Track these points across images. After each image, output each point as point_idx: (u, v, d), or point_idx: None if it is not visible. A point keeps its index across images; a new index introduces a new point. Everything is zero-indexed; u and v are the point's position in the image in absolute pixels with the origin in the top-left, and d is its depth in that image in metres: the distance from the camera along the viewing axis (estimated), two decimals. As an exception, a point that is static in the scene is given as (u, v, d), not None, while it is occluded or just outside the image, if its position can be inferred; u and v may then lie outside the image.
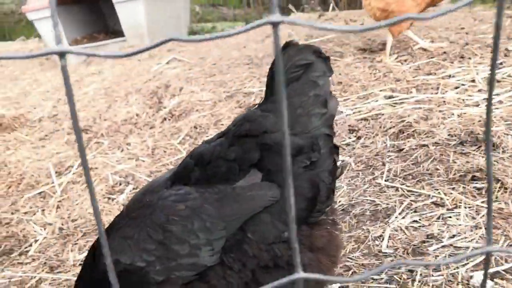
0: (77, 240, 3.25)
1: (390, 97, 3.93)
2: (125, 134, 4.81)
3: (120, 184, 3.83)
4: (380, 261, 2.38)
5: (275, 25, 0.62)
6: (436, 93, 3.82)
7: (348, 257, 2.48)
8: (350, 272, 2.36)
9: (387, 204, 2.75)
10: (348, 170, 3.14)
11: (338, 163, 1.88)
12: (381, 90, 4.09)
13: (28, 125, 5.60)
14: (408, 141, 3.21)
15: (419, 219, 2.57)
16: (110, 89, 5.95)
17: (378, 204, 2.77)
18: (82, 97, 5.94)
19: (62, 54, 0.63)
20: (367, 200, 2.83)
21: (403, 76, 4.31)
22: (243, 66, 5.38)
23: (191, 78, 5.38)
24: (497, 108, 3.38)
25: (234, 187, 1.76)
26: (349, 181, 3.04)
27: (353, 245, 2.55)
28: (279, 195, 1.72)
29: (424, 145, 3.12)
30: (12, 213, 3.71)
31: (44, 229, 3.43)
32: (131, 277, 1.75)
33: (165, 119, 4.85)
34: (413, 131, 3.28)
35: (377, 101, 3.90)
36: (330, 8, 7.85)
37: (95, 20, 10.35)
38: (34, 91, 6.78)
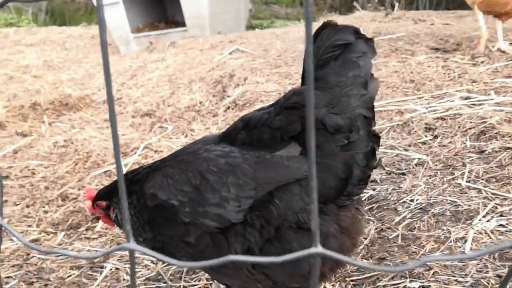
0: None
1: (467, 98, 3.76)
2: (188, 121, 4.83)
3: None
4: (463, 264, 2.26)
5: None
6: (518, 96, 3.63)
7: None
8: (431, 272, 2.25)
9: (469, 205, 2.62)
10: (425, 168, 3.02)
11: (377, 154, 1.90)
12: (457, 91, 3.92)
13: (93, 106, 5.72)
14: (490, 143, 3.06)
15: (506, 224, 2.43)
16: (173, 76, 6.00)
17: (459, 205, 2.64)
18: (146, 83, 6.01)
19: None
20: (447, 200, 2.70)
21: (479, 77, 4.13)
22: (309, 60, 5.29)
23: (256, 68, 5.34)
24: None
25: (274, 155, 1.83)
26: (426, 179, 2.91)
27: (432, 245, 2.43)
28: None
29: (509, 148, 2.96)
30: (79, 189, 3.78)
31: (111, 206, 3.47)
32: (163, 212, 1.87)
33: (228, 107, 4.83)
34: (496, 133, 3.12)
35: (453, 101, 3.74)
36: (396, 7, 7.66)
37: (156, 9, 10.51)
38: (98, 74, 6.92)
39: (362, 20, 7.06)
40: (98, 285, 2.62)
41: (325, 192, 1.80)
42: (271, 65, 5.42)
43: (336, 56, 1.80)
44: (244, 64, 5.65)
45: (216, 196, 1.80)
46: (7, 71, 7.76)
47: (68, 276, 2.74)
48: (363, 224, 2.02)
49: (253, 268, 1.85)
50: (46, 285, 2.69)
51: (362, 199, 2.04)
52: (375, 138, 1.89)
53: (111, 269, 2.75)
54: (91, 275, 2.75)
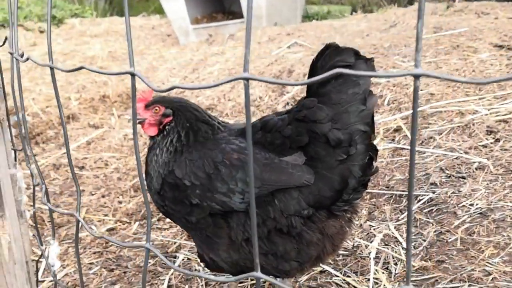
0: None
1: (532, 99, 3.73)
2: (248, 115, 5.00)
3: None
4: (523, 271, 2.33)
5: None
6: None
7: (488, 262, 2.44)
8: (490, 278, 2.33)
9: (531, 211, 2.66)
10: (486, 172, 3.06)
11: (374, 164, 2.10)
12: (520, 91, 3.89)
13: (157, 99, 6.00)
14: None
15: None
16: (233, 70, 6.18)
17: (521, 209, 2.68)
18: (207, 76, 6.23)
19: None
20: (508, 206, 2.75)
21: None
22: (368, 55, 5.29)
23: (315, 64, 5.43)
24: None
25: (281, 159, 2.06)
26: (487, 184, 2.96)
27: (492, 251, 2.50)
28: (312, 181, 2.02)
29: None
30: (149, 181, 4.04)
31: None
32: (176, 189, 2.15)
33: (287, 103, 4.97)
34: (560, 138, 3.11)
35: (516, 102, 3.72)
36: (457, -2, 7.48)
37: (213, 0, 10.71)
38: (161, 67, 7.21)
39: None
40: (172, 274, 2.86)
41: (319, 199, 2.05)
42: (329, 60, 5.49)
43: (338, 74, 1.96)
44: (303, 59, 5.75)
45: (224, 187, 2.06)
46: (75, 62, 8.20)
47: (144, 265, 2.99)
48: (348, 234, 2.27)
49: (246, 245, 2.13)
50: (125, 272, 2.95)
51: (358, 206, 2.26)
52: (373, 150, 2.07)
53: (183, 259, 2.98)
54: (165, 264, 2.99)
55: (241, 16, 9.28)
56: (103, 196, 3.91)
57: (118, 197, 3.88)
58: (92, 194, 3.98)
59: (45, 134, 5.12)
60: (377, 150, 2.08)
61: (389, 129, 3.92)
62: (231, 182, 2.06)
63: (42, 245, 1.50)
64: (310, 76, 2.07)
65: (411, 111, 3.99)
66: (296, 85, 0.72)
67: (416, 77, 0.67)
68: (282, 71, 5.54)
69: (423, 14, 0.66)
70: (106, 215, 3.66)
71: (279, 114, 2.18)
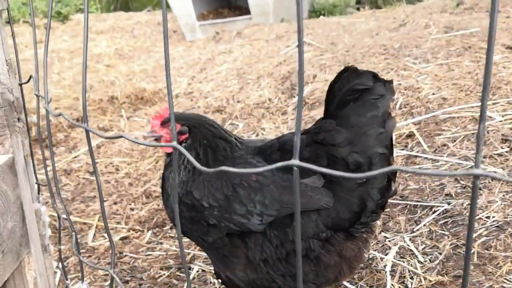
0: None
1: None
2: (258, 118, 4.99)
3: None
4: (542, 288, 2.32)
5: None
6: None
7: (505, 278, 2.43)
8: (509, 295, 2.32)
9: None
10: (501, 183, 3.04)
11: (393, 185, 2.09)
12: (535, 95, 3.86)
13: (166, 100, 5.99)
14: None
15: None
16: (241, 70, 6.15)
17: (539, 224, 2.67)
18: (215, 77, 6.21)
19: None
20: (525, 219, 2.74)
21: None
22: (378, 56, 5.29)
23: (325, 65, 5.40)
24: None
25: (301, 182, 2.03)
26: (503, 195, 2.94)
27: (510, 266, 2.49)
28: (331, 204, 2.01)
29: None
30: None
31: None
32: (193, 210, 2.15)
33: (298, 106, 4.94)
34: None
35: (532, 107, 3.69)
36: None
37: (219, -5, 10.66)
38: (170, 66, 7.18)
39: (432, 10, 6.90)
40: (187, 287, 2.86)
41: (338, 222, 2.05)
42: (339, 61, 5.46)
43: (356, 97, 1.97)
44: (312, 59, 5.72)
45: (243, 209, 2.06)
46: (81, 60, 8.18)
47: (159, 276, 3.00)
48: (365, 256, 2.28)
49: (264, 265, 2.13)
50: (140, 284, 2.96)
51: (374, 227, 2.30)
52: (392, 173, 2.06)
53: (197, 271, 2.99)
54: (180, 276, 3.00)
55: (248, 12, 9.23)
56: (115, 203, 3.91)
57: (130, 204, 3.88)
58: (104, 201, 3.98)
59: (54, 137, 5.12)
60: (396, 172, 2.07)
61: (401, 134, 3.89)
62: (249, 204, 2.05)
63: (67, 280, 1.50)
64: (328, 97, 2.05)
65: (424, 116, 3.96)
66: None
67: (476, 177, 0.65)
68: (291, 72, 5.51)
69: (485, 118, 0.64)
70: (118, 222, 3.66)
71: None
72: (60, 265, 1.49)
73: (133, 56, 8.41)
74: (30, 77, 1.36)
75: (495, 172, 3.15)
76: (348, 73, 1.96)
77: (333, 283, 2.20)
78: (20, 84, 1.41)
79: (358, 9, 10.28)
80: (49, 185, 1.40)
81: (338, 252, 2.08)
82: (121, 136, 1.05)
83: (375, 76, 1.96)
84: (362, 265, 2.77)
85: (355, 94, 1.95)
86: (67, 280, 1.48)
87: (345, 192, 2.01)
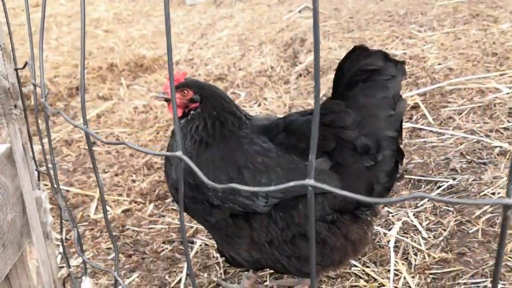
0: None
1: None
2: (260, 87, 4.91)
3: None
4: (546, 267, 2.31)
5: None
6: None
7: (510, 256, 2.43)
8: (512, 273, 2.32)
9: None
10: (507, 158, 3.00)
11: (400, 168, 2.06)
12: (543, 68, 3.77)
13: (166, 67, 5.88)
14: None
15: None
16: (243, 36, 6.02)
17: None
18: (216, 43, 6.08)
19: None
20: (531, 196, 2.71)
21: None
22: (383, 23, 5.17)
23: (328, 32, 5.28)
24: None
25: (306, 164, 1.97)
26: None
27: (514, 244, 2.49)
28: (338, 187, 1.88)
29: None
30: (162, 159, 4.01)
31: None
32: (196, 190, 2.11)
33: (300, 75, 4.86)
34: None
35: (539, 80, 3.62)
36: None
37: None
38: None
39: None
40: (190, 261, 2.87)
41: (344, 204, 2.02)
42: (343, 28, 5.33)
43: (366, 78, 1.91)
44: (315, 26, 5.58)
45: (248, 191, 1.98)
46: (79, 25, 8.01)
47: (162, 250, 3.00)
48: (371, 237, 2.26)
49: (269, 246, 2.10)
50: (143, 258, 2.97)
51: (379, 209, 2.30)
52: (400, 155, 2.02)
53: (200, 245, 2.99)
54: (182, 249, 3.00)
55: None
56: (116, 175, 3.88)
57: (131, 176, 3.85)
58: (106, 172, 3.96)
59: (54, 106, 5.05)
60: (403, 154, 2.02)
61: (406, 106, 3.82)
62: (254, 186, 2.01)
63: (70, 268, 1.48)
64: (336, 77, 1.99)
65: (429, 88, 3.89)
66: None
67: (507, 207, 0.61)
68: (294, 39, 5.40)
69: None
70: (120, 195, 3.64)
71: (303, 114, 2.11)
72: (63, 251, 1.47)
73: (132, 20, 8.22)
74: (26, 63, 1.29)
75: (501, 147, 3.11)
76: (358, 53, 1.89)
77: (338, 265, 2.20)
78: (16, 70, 1.34)
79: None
80: (50, 176, 1.36)
81: (344, 235, 2.06)
82: (122, 143, 0.99)
83: (386, 57, 1.89)
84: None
85: (365, 74, 1.89)
86: (70, 268, 1.46)
87: (353, 175, 1.97)
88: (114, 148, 4.28)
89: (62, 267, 2.62)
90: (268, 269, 2.68)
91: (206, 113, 2.18)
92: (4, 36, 1.28)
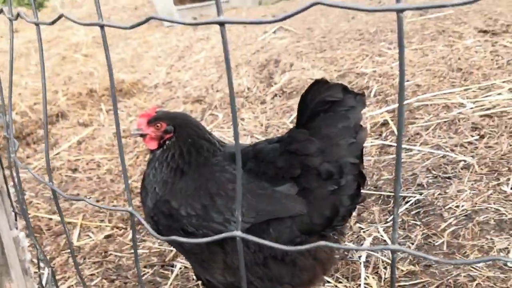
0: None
1: (515, 90, 3.81)
2: (237, 108, 5.03)
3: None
4: (505, 276, 2.45)
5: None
6: None
7: (472, 267, 2.56)
8: (475, 283, 2.45)
9: (513, 214, 2.77)
10: (471, 172, 3.15)
11: (363, 191, 2.19)
12: (504, 81, 3.96)
13: (145, 91, 6.00)
14: (537, 146, 3.15)
15: (549, 235, 2.58)
16: (220, 58, 6.17)
17: (503, 213, 2.79)
18: (194, 65, 6.21)
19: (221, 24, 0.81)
20: (492, 208, 2.86)
21: (529, 64, 4.13)
22: (354, 42, 5.35)
23: (301, 53, 5.44)
24: None
25: (275, 190, 2.12)
26: (472, 184, 3.06)
27: (476, 255, 2.62)
28: (305, 211, 2.09)
29: (555, 153, 3.05)
30: (142, 183, 4.10)
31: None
32: (171, 219, 2.22)
33: (276, 95, 5.00)
34: (542, 134, 3.20)
35: (500, 94, 3.80)
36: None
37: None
38: (146, 55, 7.16)
39: (407, -10, 6.93)
40: (171, 284, 2.96)
41: (312, 227, 2.14)
42: (316, 48, 5.50)
43: (327, 108, 2.05)
44: (289, 47, 5.75)
45: (220, 217, 2.14)
46: (59, 51, 8.10)
47: (144, 274, 3.08)
48: (336, 257, 2.40)
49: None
50: (125, 282, 3.05)
51: (345, 229, 2.42)
52: (361, 178, 2.14)
53: (180, 268, 3.08)
54: (163, 273, 3.09)
55: (225, -7, 9.17)
56: (97, 201, 3.96)
57: (112, 201, 3.93)
58: (88, 198, 4.03)
59: (35, 134, 5.12)
60: (365, 178, 2.15)
61: (376, 123, 3.98)
62: (227, 212, 2.13)
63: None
64: (300, 108, 2.12)
65: (397, 104, 4.05)
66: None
67: (393, 252, 0.73)
68: (268, 60, 5.55)
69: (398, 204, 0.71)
70: (102, 220, 3.72)
71: (270, 142, 2.23)
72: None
73: (111, 44, 8.32)
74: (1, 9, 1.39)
75: (465, 161, 3.26)
76: (319, 85, 2.02)
77: (308, 284, 2.30)
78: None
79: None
80: (27, 221, 1.45)
81: (312, 255, 2.17)
82: (82, 199, 1.10)
83: (345, 89, 2.02)
84: (338, 256, 2.88)
85: (326, 105, 2.02)
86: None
87: (318, 199, 2.09)
88: (96, 174, 4.36)
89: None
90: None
91: (181, 141, 2.30)
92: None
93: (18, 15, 1.32)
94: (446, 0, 0.63)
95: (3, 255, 1.43)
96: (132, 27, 0.90)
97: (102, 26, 0.96)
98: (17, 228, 1.56)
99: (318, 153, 2.05)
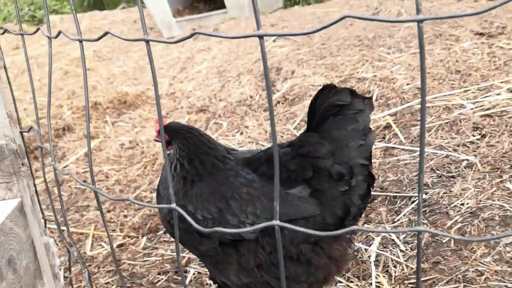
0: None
1: (513, 90, 3.90)
2: (241, 116, 5.12)
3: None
4: (512, 269, 2.52)
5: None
6: None
7: (480, 262, 2.63)
8: (483, 278, 2.52)
9: (517, 210, 2.85)
10: (474, 171, 3.23)
11: (372, 191, 2.27)
12: (502, 82, 4.05)
13: (149, 102, 6.09)
14: (537, 143, 3.23)
15: (553, 229, 2.65)
16: (221, 68, 6.26)
17: (508, 209, 2.87)
18: (196, 76, 6.31)
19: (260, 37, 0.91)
20: (496, 204, 2.93)
21: (526, 64, 4.23)
22: (353, 48, 5.45)
23: (302, 60, 5.54)
24: None
25: (288, 192, 2.18)
26: (476, 182, 3.14)
27: (483, 250, 2.69)
28: (318, 211, 2.17)
29: (555, 149, 3.13)
30: (151, 192, 4.18)
31: (183, 210, 3.85)
32: (188, 222, 2.21)
33: (278, 102, 5.09)
34: (542, 132, 3.28)
35: (499, 94, 3.89)
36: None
37: (194, -12, 10.66)
38: (149, 67, 7.23)
39: (404, -4, 7.06)
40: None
41: (324, 226, 2.21)
42: (316, 55, 5.60)
43: (336, 112, 2.14)
44: (289, 55, 5.85)
45: (235, 220, 2.21)
46: (61, 65, 8.20)
47: (158, 281, 3.15)
48: (350, 254, 2.49)
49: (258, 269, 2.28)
50: (140, 290, 3.11)
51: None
52: (371, 179, 2.23)
53: (194, 274, 3.14)
54: (177, 279, 3.15)
55: (223, 5, 9.29)
56: (108, 211, 4.03)
57: (123, 211, 4.00)
58: (97, 209, 4.10)
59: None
60: (374, 178, 2.23)
61: (379, 126, 4.07)
62: (241, 215, 2.20)
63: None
64: (309, 112, 2.20)
65: (399, 108, 4.13)
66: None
67: (419, 233, 0.80)
68: (270, 68, 5.63)
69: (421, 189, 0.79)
70: (113, 230, 3.79)
71: (282, 146, 2.32)
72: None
73: (112, 57, 8.44)
74: (31, 127, 1.48)
75: (467, 160, 3.34)
76: (327, 90, 2.11)
77: (323, 282, 2.37)
78: (21, 132, 1.53)
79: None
80: (57, 222, 1.53)
81: (327, 254, 2.24)
82: (127, 200, 1.18)
83: (352, 93, 2.10)
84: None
85: (335, 109, 2.10)
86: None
87: (330, 200, 2.17)
88: (105, 185, 4.43)
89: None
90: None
91: (177, 154, 2.40)
92: (8, 103, 1.47)
93: (59, 33, 1.40)
94: (459, 11, 0.71)
95: (36, 260, 1.51)
96: (178, 41, 0.98)
97: (147, 42, 1.03)
98: (46, 235, 1.64)
99: (329, 155, 2.13)
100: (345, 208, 2.18)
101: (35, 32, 1.76)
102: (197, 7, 10.26)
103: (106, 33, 1.22)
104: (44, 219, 1.63)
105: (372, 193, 2.28)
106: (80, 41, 1.31)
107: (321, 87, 2.19)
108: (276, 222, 0.91)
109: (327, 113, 2.13)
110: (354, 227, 0.90)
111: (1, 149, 1.40)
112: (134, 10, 12.23)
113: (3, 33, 1.66)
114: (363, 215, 3.24)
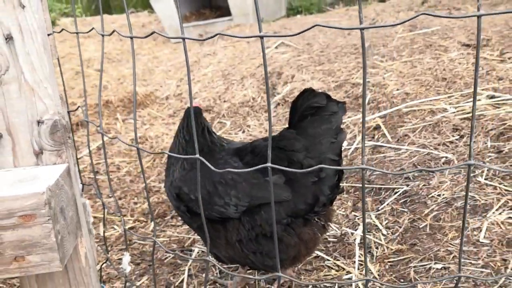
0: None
1: (492, 97, 4.28)
2: (243, 116, 5.51)
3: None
4: (477, 249, 2.89)
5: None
6: (538, 96, 4.11)
7: (450, 243, 3.00)
8: (451, 256, 2.89)
9: (486, 200, 3.22)
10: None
11: (341, 184, 2.64)
12: (483, 89, 4.43)
13: (157, 102, 6.48)
14: (508, 144, 3.61)
15: (515, 216, 3.02)
16: (226, 71, 6.66)
17: (478, 199, 3.24)
18: (202, 78, 6.70)
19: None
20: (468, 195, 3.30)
21: (506, 74, 4.60)
22: (350, 55, 5.84)
23: (301, 66, 5.93)
24: None
25: (266, 179, 2.50)
26: (452, 176, 3.51)
27: (454, 234, 3.06)
28: (290, 197, 2.50)
29: (523, 148, 3.50)
30: (159, 182, 4.55)
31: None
32: (183, 201, 2.70)
33: (279, 104, 5.47)
34: (513, 134, 3.66)
35: (479, 100, 4.26)
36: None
37: (201, -5, 11.09)
38: (157, 69, 7.66)
39: (400, 8, 7.47)
40: (190, 265, 3.39)
41: (296, 211, 2.57)
42: (315, 61, 5.99)
43: (313, 113, 2.48)
44: (290, 61, 6.24)
45: (221, 201, 2.58)
46: (73, 66, 8.60)
47: (165, 258, 3.52)
48: (320, 239, 2.75)
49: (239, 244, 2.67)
50: (149, 265, 3.48)
51: (331, 214, 2.81)
52: (341, 173, 2.59)
53: (198, 252, 3.51)
54: (183, 256, 3.51)
55: (228, 12, 9.71)
56: (120, 199, 4.41)
57: (133, 199, 4.38)
58: (110, 197, 4.48)
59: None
60: (343, 173, 2.60)
61: (369, 127, 4.45)
62: (226, 197, 2.57)
63: (108, 253, 2.01)
64: (291, 111, 2.56)
65: (388, 110, 4.52)
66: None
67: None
68: (272, 73, 6.03)
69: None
70: (125, 215, 4.16)
71: (265, 140, 2.70)
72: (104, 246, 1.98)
73: (122, 59, 8.84)
74: (78, 106, 1.85)
75: (446, 157, 3.72)
76: (307, 94, 2.47)
77: (294, 261, 2.72)
78: (68, 112, 1.90)
79: (333, 6, 10.81)
80: (97, 188, 1.89)
81: (297, 235, 2.60)
82: (162, 153, 1.54)
83: (328, 97, 2.47)
84: (336, 239, 3.33)
85: (313, 110, 2.47)
86: (108, 253, 1.97)
87: (302, 188, 2.52)
88: (116, 176, 4.81)
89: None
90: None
91: (181, 137, 2.90)
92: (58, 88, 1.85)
93: (113, 31, 1.78)
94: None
95: (77, 214, 1.89)
96: (207, 39, 1.34)
97: (184, 39, 1.40)
98: (82, 196, 2.02)
99: (303, 150, 2.47)
100: (314, 197, 2.53)
101: (89, 31, 2.15)
102: (203, 13, 10.69)
103: (152, 32, 1.59)
104: (82, 183, 2.00)
105: (341, 184, 2.63)
106: (131, 38, 1.67)
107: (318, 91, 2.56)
108: (268, 164, 1.27)
109: (305, 113, 2.47)
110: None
111: (55, 123, 1.78)
112: (142, 14, 12.66)
113: (59, 32, 2.04)
114: (350, 204, 3.62)
